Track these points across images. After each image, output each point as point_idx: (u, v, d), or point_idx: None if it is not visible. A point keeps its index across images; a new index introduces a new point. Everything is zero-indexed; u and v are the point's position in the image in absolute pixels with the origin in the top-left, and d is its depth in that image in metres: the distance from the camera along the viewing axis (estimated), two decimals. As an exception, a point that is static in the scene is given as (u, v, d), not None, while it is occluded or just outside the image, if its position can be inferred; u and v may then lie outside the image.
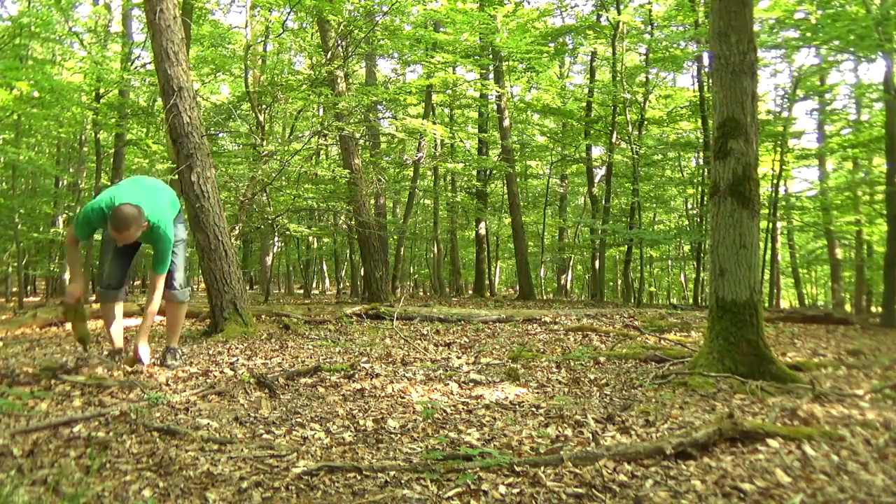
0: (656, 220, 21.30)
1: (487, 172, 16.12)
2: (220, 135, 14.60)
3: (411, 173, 15.33)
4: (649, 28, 14.04)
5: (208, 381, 3.73)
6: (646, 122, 14.84)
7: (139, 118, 13.45)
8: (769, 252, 13.48)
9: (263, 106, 11.41)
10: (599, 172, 16.44)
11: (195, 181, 5.85)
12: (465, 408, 3.14)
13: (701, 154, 13.92)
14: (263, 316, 7.17)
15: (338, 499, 2.00)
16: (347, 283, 20.72)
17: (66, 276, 4.10)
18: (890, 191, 8.24)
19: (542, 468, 2.21)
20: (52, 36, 13.01)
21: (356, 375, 3.89)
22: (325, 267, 24.97)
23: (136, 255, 4.30)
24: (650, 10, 13.93)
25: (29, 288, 20.88)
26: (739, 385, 3.49)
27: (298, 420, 2.89)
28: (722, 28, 3.95)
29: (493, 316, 7.29)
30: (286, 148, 10.40)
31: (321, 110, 13.06)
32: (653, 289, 24.15)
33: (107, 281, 4.09)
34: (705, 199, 13.58)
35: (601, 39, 14.99)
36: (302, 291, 18.04)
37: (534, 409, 3.10)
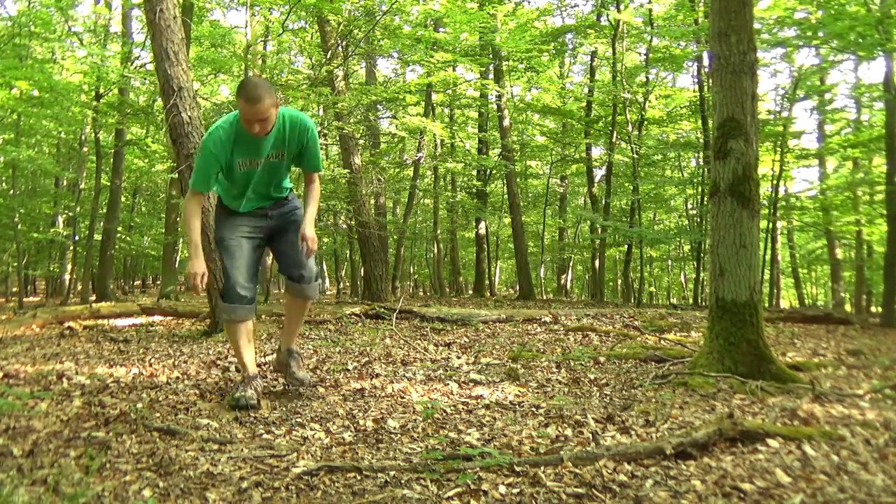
0: (656, 219, 21.31)
1: (487, 172, 16.12)
2: (220, 135, 14.56)
3: (411, 173, 15.33)
4: (649, 28, 14.04)
5: (208, 380, 3.73)
6: (646, 122, 14.83)
7: (139, 118, 13.45)
8: (769, 252, 13.48)
9: (263, 106, 11.38)
10: (599, 172, 16.44)
11: (195, 181, 5.84)
12: (465, 408, 3.14)
13: (701, 154, 13.91)
14: (263, 316, 7.17)
15: (338, 499, 2.00)
16: (347, 283, 20.73)
17: (185, 251, 3.09)
18: (890, 191, 8.24)
19: (542, 468, 2.21)
20: (51, 35, 13.02)
21: (356, 375, 3.90)
22: (324, 267, 24.96)
23: (262, 255, 3.40)
24: (650, 10, 13.93)
25: (29, 288, 20.89)
26: (739, 385, 3.48)
27: (298, 420, 2.89)
28: (722, 28, 3.94)
29: (493, 316, 7.29)
30: (286, 148, 10.38)
31: (321, 110, 13.05)
32: (653, 289, 24.15)
33: (240, 292, 3.12)
34: (705, 199, 13.58)
35: (601, 39, 14.99)
36: (302, 291, 18.01)
37: (534, 409, 3.10)
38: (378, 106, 13.85)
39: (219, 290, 3.26)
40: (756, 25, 5.19)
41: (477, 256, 16.74)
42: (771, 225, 13.56)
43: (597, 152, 16.79)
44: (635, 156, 13.84)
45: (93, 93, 12.63)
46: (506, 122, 14.51)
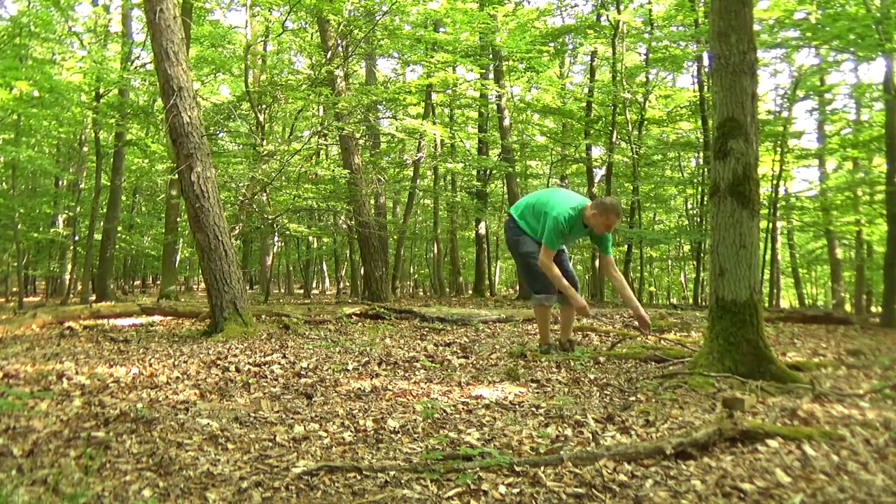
0: (656, 219, 21.30)
1: (487, 172, 16.11)
2: (220, 135, 14.59)
3: (411, 173, 15.33)
4: (649, 28, 14.03)
5: (208, 380, 3.73)
6: (646, 122, 14.82)
7: (139, 118, 13.46)
8: (769, 252, 13.47)
9: (263, 106, 11.41)
10: (599, 172, 16.42)
11: (195, 181, 5.86)
12: (465, 408, 3.14)
13: (701, 154, 13.91)
14: (263, 316, 7.17)
15: (338, 499, 2.00)
16: (347, 283, 20.72)
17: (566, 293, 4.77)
18: (890, 191, 8.23)
19: (542, 468, 2.21)
20: (51, 36, 13.02)
21: (356, 375, 3.89)
22: (325, 267, 24.97)
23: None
24: (650, 10, 13.92)
25: (29, 288, 20.89)
26: (739, 385, 3.48)
27: (298, 420, 2.89)
28: (722, 28, 3.94)
29: (493, 316, 7.29)
30: (286, 148, 10.40)
31: (321, 110, 13.04)
32: (653, 289, 24.13)
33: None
34: (705, 199, 13.58)
35: (601, 39, 14.97)
36: (302, 291, 18.03)
37: (534, 409, 3.10)
38: (378, 106, 13.85)
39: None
40: (756, 27, 5.19)
41: (477, 256, 16.73)
42: (771, 225, 13.56)
43: (597, 152, 16.76)
44: (635, 156, 13.83)
45: (93, 93, 12.63)
46: (506, 123, 14.51)
